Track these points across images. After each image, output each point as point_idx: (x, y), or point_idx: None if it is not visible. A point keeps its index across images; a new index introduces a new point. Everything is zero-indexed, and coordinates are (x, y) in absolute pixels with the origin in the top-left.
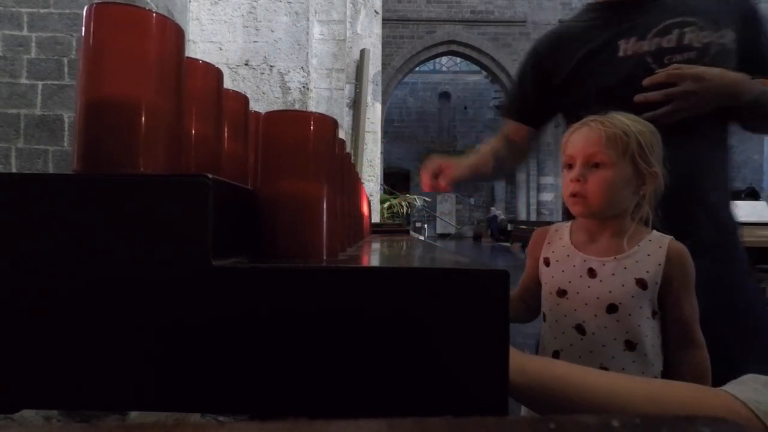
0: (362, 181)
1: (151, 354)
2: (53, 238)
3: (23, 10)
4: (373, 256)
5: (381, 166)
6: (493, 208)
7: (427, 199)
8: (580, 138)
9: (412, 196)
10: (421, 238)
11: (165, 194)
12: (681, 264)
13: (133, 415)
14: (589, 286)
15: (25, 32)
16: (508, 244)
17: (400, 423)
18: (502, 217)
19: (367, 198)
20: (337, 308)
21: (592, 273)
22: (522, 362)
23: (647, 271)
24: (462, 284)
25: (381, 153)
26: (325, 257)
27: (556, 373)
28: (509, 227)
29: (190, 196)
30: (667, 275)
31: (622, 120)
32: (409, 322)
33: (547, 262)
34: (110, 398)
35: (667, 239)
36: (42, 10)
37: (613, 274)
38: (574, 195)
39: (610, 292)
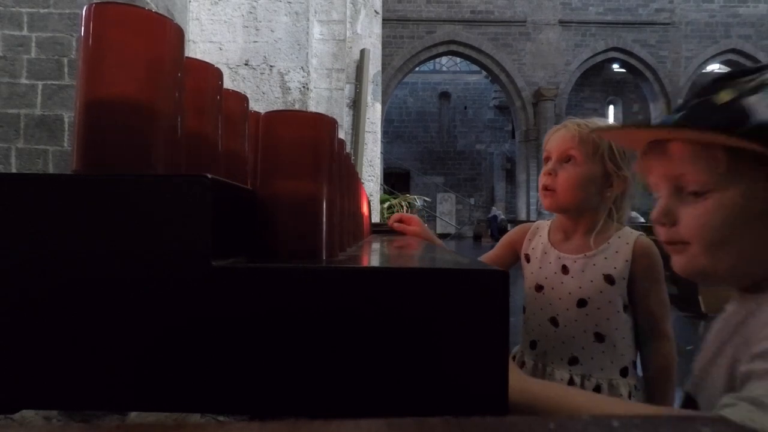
0: (362, 181)
1: (151, 354)
2: (53, 238)
3: (23, 10)
4: (373, 256)
5: (381, 166)
6: (493, 208)
7: (426, 199)
8: (557, 136)
9: (412, 196)
10: None
11: (165, 194)
12: (647, 259)
13: (133, 415)
14: (562, 282)
15: (25, 32)
16: None
17: (400, 423)
18: (502, 217)
19: (367, 198)
20: (336, 308)
21: (565, 270)
22: (523, 383)
23: (614, 267)
24: (462, 284)
25: (381, 153)
26: (325, 257)
27: (556, 396)
28: (509, 227)
29: (190, 196)
30: (633, 270)
31: (599, 124)
32: (408, 322)
33: (528, 259)
34: (110, 398)
35: (635, 235)
36: (42, 10)
37: (583, 271)
38: (545, 188)
39: (580, 287)
